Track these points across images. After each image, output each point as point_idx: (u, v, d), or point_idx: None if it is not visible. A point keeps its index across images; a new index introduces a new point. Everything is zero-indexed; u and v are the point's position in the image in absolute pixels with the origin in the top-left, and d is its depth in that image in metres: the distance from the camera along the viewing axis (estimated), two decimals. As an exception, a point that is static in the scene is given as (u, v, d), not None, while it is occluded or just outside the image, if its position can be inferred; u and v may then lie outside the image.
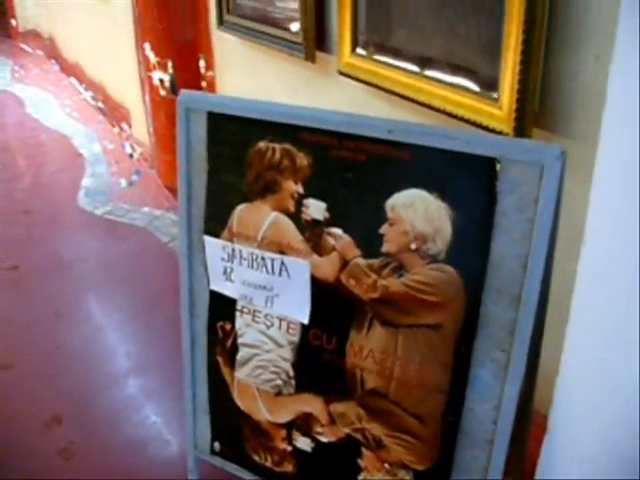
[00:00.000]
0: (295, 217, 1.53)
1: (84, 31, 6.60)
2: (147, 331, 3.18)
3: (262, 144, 1.54)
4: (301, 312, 1.59)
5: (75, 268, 3.80)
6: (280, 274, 1.59)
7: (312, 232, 1.51)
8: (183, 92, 1.62)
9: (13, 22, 10.23)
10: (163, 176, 4.38)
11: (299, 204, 1.52)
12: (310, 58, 2.63)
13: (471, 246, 1.35)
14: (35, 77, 8.04)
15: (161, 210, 4.15)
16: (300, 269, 1.55)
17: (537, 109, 1.70)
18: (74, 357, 3.04)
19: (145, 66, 4.19)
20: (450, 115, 1.92)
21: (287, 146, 1.50)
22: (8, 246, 4.05)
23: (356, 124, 1.41)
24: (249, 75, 3.34)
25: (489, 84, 1.79)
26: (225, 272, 1.69)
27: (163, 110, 4.14)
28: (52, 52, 8.50)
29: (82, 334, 3.19)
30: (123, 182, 4.65)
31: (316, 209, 1.49)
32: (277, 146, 1.52)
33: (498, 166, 1.28)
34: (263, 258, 1.60)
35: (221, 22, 3.37)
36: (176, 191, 4.12)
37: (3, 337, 3.21)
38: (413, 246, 1.39)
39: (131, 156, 5.07)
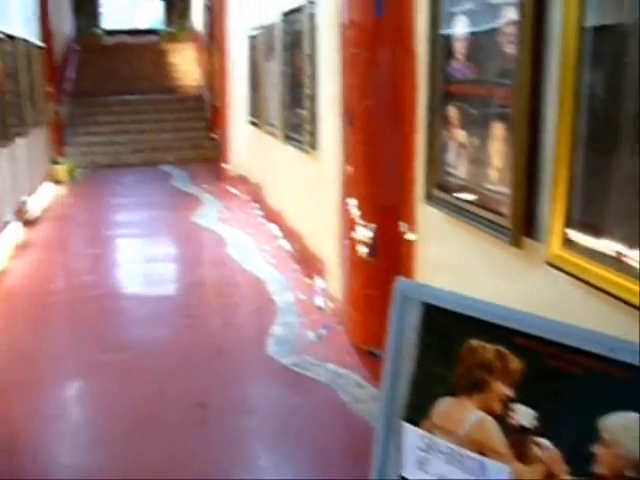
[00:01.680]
0: (501, 420, 1.50)
1: (290, 182, 7.02)
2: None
3: (475, 342, 1.54)
4: (496, 518, 1.54)
5: (256, 414, 3.91)
6: (477, 475, 1.55)
7: (517, 438, 1.47)
8: (400, 280, 1.68)
9: (226, 166, 11.10)
10: (351, 334, 4.45)
11: (507, 407, 1.49)
12: (516, 244, 2.63)
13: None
14: (239, 219, 8.58)
15: (346, 369, 4.19)
16: (500, 474, 1.50)
17: None
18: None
19: (347, 225, 4.37)
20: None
21: (500, 348, 1.50)
22: (197, 382, 4.24)
23: (575, 336, 1.39)
24: (450, 249, 3.40)
25: None
26: (420, 462, 1.67)
27: (360, 270, 4.26)
28: (257, 198, 9.07)
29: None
30: (311, 335, 4.77)
31: (525, 416, 1.45)
32: (490, 346, 1.52)
33: None
34: (461, 455, 1.57)
35: (427, 196, 3.47)
36: (362, 351, 4.19)
37: (179, 477, 3.29)
38: (629, 473, 1.32)
39: (321, 309, 5.21)
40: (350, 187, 4.33)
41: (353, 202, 4.24)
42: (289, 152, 6.81)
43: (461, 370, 1.57)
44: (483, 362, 1.53)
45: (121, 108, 15.68)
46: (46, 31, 12.38)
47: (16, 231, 8.07)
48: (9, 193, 8.09)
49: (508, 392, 1.49)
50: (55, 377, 4.50)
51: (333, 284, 5.05)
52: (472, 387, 1.56)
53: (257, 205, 9.02)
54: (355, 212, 4.22)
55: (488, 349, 1.52)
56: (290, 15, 6.48)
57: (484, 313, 1.53)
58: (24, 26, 9.99)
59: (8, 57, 8.37)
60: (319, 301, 5.32)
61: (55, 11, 14.00)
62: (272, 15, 7.28)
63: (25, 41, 9.67)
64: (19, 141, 8.87)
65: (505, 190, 2.73)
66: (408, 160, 3.84)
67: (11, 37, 8.63)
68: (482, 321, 1.53)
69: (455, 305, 1.59)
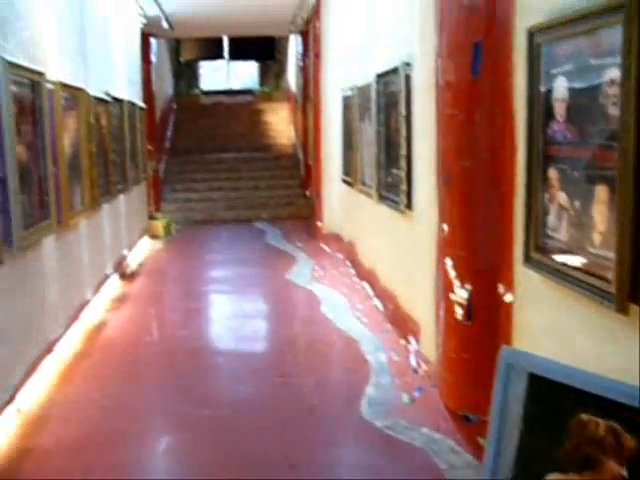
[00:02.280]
0: (614, 501, 1.43)
1: (384, 242, 7.01)
2: None
3: (585, 416, 1.48)
4: None
5: (348, 478, 3.84)
6: None
7: (632, 521, 1.40)
8: (506, 348, 1.64)
9: (319, 224, 11.21)
10: (445, 397, 4.36)
11: (621, 487, 1.42)
12: (621, 310, 2.54)
13: None
14: (332, 278, 8.60)
15: (440, 434, 4.08)
16: None
17: None
18: None
19: (443, 286, 4.31)
20: None
21: (613, 424, 1.44)
22: (288, 442, 4.21)
23: (695, 414, 1.33)
24: (549, 314, 3.31)
25: None
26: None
27: (455, 333, 4.18)
28: (350, 256, 9.09)
29: None
30: (405, 397, 4.69)
31: (640, 497, 1.38)
32: (602, 421, 1.46)
33: None
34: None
35: (526, 258, 3.41)
36: (456, 415, 4.09)
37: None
38: None
39: (415, 371, 5.13)
40: (446, 248, 4.29)
41: (449, 263, 4.19)
42: (383, 211, 6.81)
43: (570, 445, 1.51)
44: (594, 438, 1.46)
45: (216, 166, 16.08)
46: (148, 92, 12.92)
47: (115, 284, 8.33)
48: (111, 247, 8.37)
49: (623, 472, 1.42)
50: (147, 430, 4.55)
51: (427, 346, 4.97)
52: (582, 464, 1.49)
53: (350, 264, 9.03)
54: (451, 273, 4.16)
55: (600, 425, 1.46)
56: (385, 76, 6.54)
57: (595, 386, 1.48)
58: (129, 88, 10.43)
59: (114, 118, 8.74)
60: (413, 363, 5.25)
61: (157, 73, 14.60)
62: (366, 76, 7.37)
63: (130, 103, 10.07)
64: (121, 197, 9.20)
65: (609, 254, 2.65)
66: (506, 221, 3.79)
67: (117, 100, 9.01)
68: (593, 394, 1.47)
69: (563, 376, 1.53)
